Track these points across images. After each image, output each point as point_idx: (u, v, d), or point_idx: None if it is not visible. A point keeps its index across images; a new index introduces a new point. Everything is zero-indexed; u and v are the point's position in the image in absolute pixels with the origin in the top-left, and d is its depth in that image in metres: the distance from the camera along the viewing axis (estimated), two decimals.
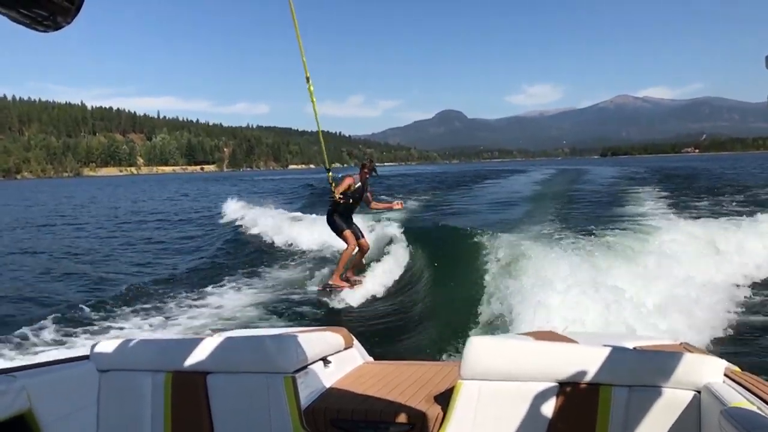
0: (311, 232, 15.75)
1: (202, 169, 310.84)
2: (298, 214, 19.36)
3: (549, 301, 7.35)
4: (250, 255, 14.87)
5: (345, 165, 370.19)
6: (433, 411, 2.83)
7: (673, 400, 2.38)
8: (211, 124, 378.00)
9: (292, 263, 13.46)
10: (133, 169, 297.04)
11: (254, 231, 17.76)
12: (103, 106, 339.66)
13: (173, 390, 2.83)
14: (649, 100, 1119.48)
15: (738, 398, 2.16)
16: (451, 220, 14.58)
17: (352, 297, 9.76)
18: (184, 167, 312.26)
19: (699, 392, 2.37)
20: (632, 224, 14.23)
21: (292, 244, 15.46)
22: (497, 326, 7.25)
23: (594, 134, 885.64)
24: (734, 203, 20.90)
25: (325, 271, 11.82)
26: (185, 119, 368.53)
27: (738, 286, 9.57)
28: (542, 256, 9.32)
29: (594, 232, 13.15)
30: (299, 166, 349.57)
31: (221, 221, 21.92)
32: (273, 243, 15.87)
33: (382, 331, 8.34)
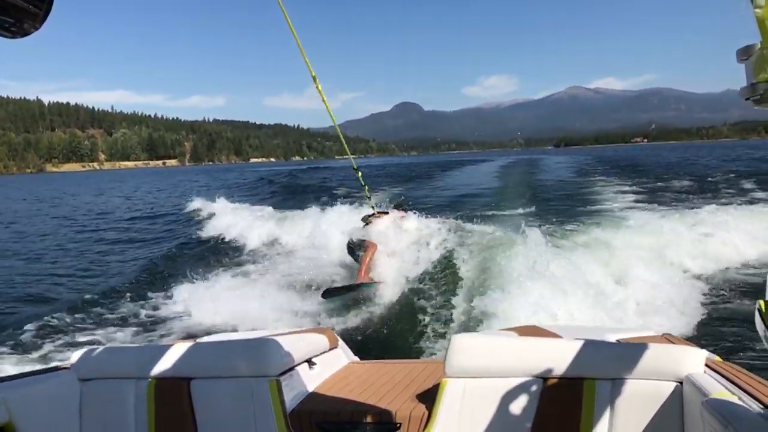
0: (288, 231, 15.53)
1: (164, 163, 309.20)
2: (269, 210, 19.13)
3: (529, 294, 7.46)
4: (226, 256, 14.62)
5: (305, 158, 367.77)
6: (419, 410, 2.82)
7: (655, 392, 2.39)
8: (170, 118, 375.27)
9: (269, 262, 13.25)
10: (96, 165, 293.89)
11: (227, 230, 17.43)
12: (60, 102, 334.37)
13: (156, 397, 2.79)
14: (601, 91, 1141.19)
15: (719, 388, 2.16)
16: (426, 214, 14.61)
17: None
18: (146, 162, 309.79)
19: (681, 383, 2.38)
20: (602, 216, 14.64)
21: (268, 244, 15.21)
22: (480, 322, 7.28)
23: (548, 125, 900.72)
24: (701, 194, 21.38)
25: (307, 269, 11.66)
26: (142, 114, 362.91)
27: (716, 275, 9.81)
28: (519, 250, 9.42)
29: (566, 223, 13.47)
30: (260, 160, 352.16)
31: (190, 221, 21.45)
32: (246, 243, 15.60)
33: (367, 330, 8.34)
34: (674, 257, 10.17)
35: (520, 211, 18.66)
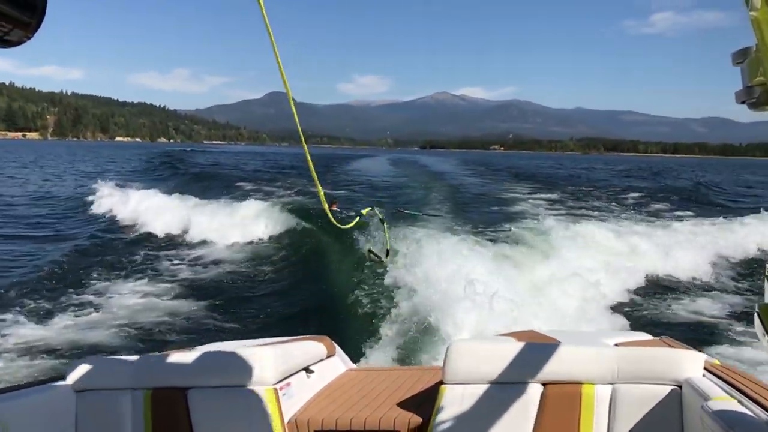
0: (223, 223, 14.91)
1: (24, 136, 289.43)
2: (193, 199, 18.19)
3: (524, 299, 7.86)
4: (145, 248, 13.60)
5: (171, 140, 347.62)
6: (417, 416, 2.80)
7: (655, 396, 2.38)
8: (25, 88, 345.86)
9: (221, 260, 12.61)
10: None
11: (149, 223, 16.24)
12: None
13: (153, 407, 2.76)
14: (466, 99, 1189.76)
15: (718, 392, 2.15)
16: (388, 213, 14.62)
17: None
18: (4, 133, 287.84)
19: (680, 387, 2.38)
20: (535, 223, 15.36)
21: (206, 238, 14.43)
22: (479, 326, 7.42)
23: (415, 127, 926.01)
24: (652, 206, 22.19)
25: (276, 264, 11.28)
26: None
27: (715, 279, 10.07)
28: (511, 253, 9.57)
29: (502, 230, 13.94)
30: (126, 139, 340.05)
31: (97, 212, 19.64)
32: (180, 236, 14.73)
33: (365, 337, 8.32)
34: (667, 259, 10.33)
35: (448, 212, 19.00)
